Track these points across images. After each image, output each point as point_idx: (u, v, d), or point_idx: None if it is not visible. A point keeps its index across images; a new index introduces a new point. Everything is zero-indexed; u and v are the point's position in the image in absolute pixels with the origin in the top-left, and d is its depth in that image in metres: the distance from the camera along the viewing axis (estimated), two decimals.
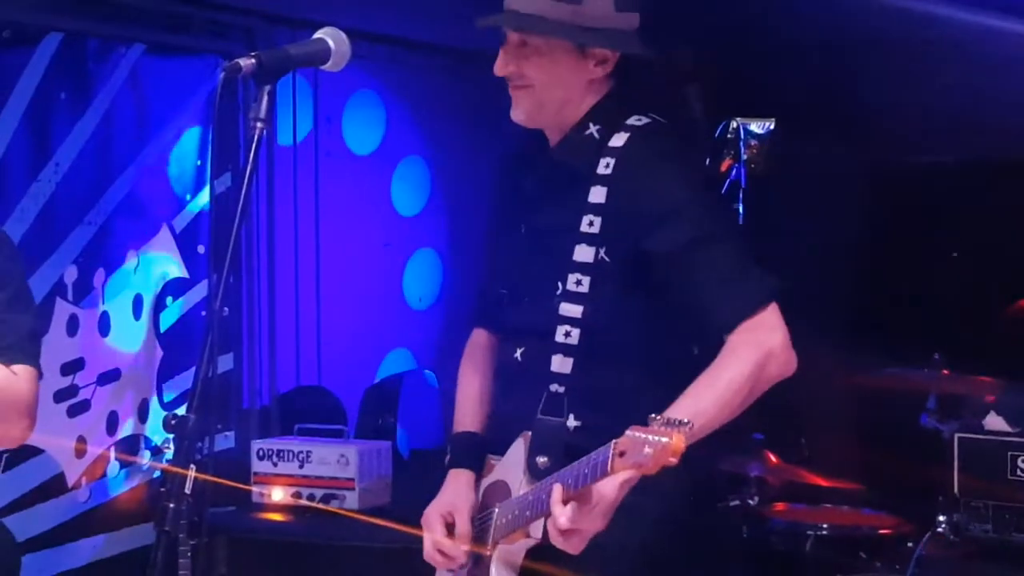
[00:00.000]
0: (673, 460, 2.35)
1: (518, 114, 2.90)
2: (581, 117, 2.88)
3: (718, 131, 5.73)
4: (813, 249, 5.60)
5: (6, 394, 2.91)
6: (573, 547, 2.60)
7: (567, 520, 2.55)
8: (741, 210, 5.48)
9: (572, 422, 2.82)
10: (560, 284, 2.81)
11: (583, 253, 2.80)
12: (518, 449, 2.85)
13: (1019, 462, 3.41)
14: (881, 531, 4.56)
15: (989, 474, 3.46)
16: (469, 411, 3.10)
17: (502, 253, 3.05)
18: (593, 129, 2.87)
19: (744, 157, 5.63)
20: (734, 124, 5.75)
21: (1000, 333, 4.78)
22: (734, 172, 5.59)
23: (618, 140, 2.83)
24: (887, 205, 5.76)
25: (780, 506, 4.82)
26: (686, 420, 2.37)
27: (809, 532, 4.54)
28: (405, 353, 6.64)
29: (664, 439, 2.33)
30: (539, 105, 2.87)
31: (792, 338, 2.76)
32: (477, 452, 3.02)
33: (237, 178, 5.02)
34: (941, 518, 3.61)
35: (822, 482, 4.84)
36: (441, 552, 2.91)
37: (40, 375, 2.99)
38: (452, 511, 2.92)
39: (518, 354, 2.93)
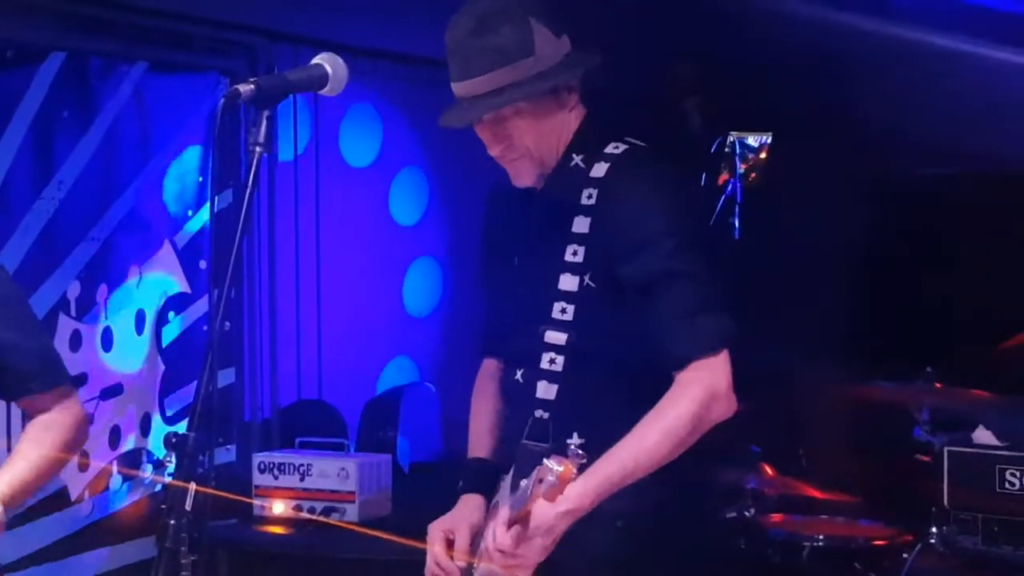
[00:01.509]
0: (561, 489, 2.53)
1: (524, 181, 2.93)
2: (565, 149, 2.92)
3: (714, 145, 5.77)
4: (808, 263, 5.63)
5: (75, 435, 3.06)
6: (509, 572, 2.72)
7: (496, 543, 2.69)
8: (736, 224, 5.52)
9: (577, 439, 2.87)
10: (547, 313, 2.87)
11: (567, 282, 2.85)
12: (511, 472, 2.92)
13: (1007, 475, 3.44)
14: (876, 542, 4.58)
15: (978, 487, 3.49)
16: (479, 438, 3.16)
17: (497, 285, 3.11)
18: (577, 159, 2.90)
19: (740, 171, 5.67)
20: (730, 138, 5.79)
21: (995, 362, 4.82)
22: (730, 186, 5.63)
23: (599, 170, 2.86)
24: (882, 219, 5.79)
25: (777, 517, 4.84)
26: (581, 452, 2.53)
27: (805, 543, 4.55)
28: (406, 363, 6.68)
29: (559, 468, 2.47)
30: (540, 163, 2.91)
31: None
32: (486, 477, 3.08)
33: (238, 194, 5.08)
34: (932, 530, 3.65)
35: (818, 494, 4.87)
36: (438, 567, 2.98)
37: (72, 383, 3.14)
38: (453, 528, 2.98)
39: (518, 376, 2.99)
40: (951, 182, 5.74)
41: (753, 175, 5.72)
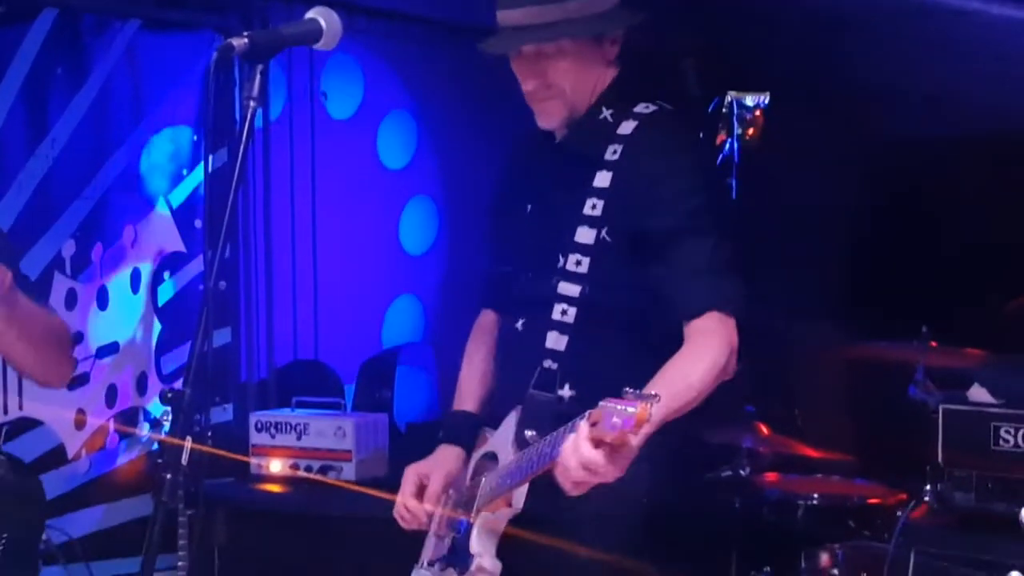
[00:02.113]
0: (637, 431, 2.38)
1: (550, 123, 2.95)
2: (595, 101, 2.93)
3: (712, 105, 5.75)
4: (805, 223, 5.63)
5: (60, 330, 3.08)
6: (579, 488, 2.58)
7: (589, 458, 2.48)
8: (734, 184, 5.51)
9: (567, 391, 2.87)
10: (560, 263, 2.87)
11: (584, 235, 2.86)
12: (510, 422, 2.91)
13: (1002, 432, 3.43)
14: (871, 500, 4.61)
15: (972, 445, 3.48)
16: (468, 390, 3.17)
17: (507, 232, 3.10)
18: (607, 113, 2.92)
19: (738, 131, 5.65)
20: (728, 98, 5.77)
21: (997, 322, 4.82)
22: (728, 146, 5.62)
23: (626, 127, 2.88)
24: (879, 179, 5.78)
25: (772, 476, 4.86)
26: (655, 394, 2.40)
27: (800, 502, 4.57)
28: (406, 310, 6.66)
29: (631, 409, 2.36)
30: (571, 108, 2.92)
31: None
32: (469, 431, 3.10)
33: (232, 153, 5.08)
34: (927, 488, 3.65)
35: (813, 453, 4.88)
36: (406, 509, 2.99)
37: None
38: (428, 473, 3.00)
39: (519, 325, 2.99)
40: (949, 142, 5.72)
41: (751, 135, 5.70)
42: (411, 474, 3.04)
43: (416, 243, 6.65)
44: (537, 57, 2.88)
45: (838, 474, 4.86)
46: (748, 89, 5.80)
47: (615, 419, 2.38)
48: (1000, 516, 3.45)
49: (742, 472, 4.76)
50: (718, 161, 5.65)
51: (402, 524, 3.05)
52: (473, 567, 2.81)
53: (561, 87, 2.89)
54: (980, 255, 5.44)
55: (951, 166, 5.62)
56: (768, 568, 4.39)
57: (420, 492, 3.02)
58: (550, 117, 2.94)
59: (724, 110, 5.75)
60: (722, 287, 2.80)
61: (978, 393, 3.55)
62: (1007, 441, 3.45)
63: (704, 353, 2.76)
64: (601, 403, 2.43)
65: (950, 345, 4.39)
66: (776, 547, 4.55)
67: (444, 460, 3.03)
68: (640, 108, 2.91)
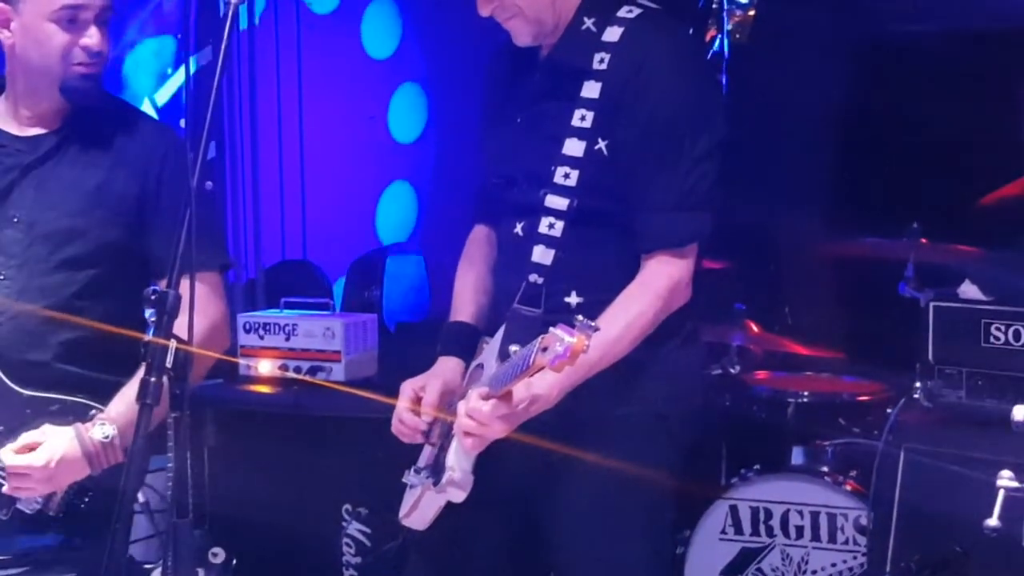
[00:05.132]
0: (573, 362, 2.40)
1: (522, 40, 2.91)
2: (575, 12, 2.88)
3: (702, 1, 5.68)
4: (796, 119, 5.59)
5: (214, 335, 3.13)
6: (471, 445, 2.72)
7: (475, 417, 2.67)
8: (724, 81, 5.46)
9: (576, 298, 2.88)
10: (548, 176, 2.84)
11: (573, 147, 2.82)
12: (499, 334, 2.91)
13: (992, 329, 3.42)
14: (860, 398, 4.62)
15: (963, 342, 3.47)
16: (462, 302, 3.15)
17: (496, 144, 3.06)
18: (588, 23, 2.86)
19: (728, 27, 5.59)
20: None
21: (979, 216, 4.80)
22: (717, 42, 5.56)
23: (612, 35, 2.83)
24: (870, 74, 5.74)
25: (762, 374, 4.87)
26: (595, 325, 2.41)
27: (790, 400, 4.58)
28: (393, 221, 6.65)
29: (571, 339, 2.37)
30: (537, 23, 2.87)
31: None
32: (464, 340, 3.09)
33: (217, 52, 5.01)
34: (916, 385, 3.65)
35: (803, 350, 4.90)
36: (401, 422, 2.99)
37: (227, 266, 3.22)
38: (424, 385, 2.98)
39: (518, 229, 2.96)
40: (937, 38, 5.67)
41: (741, 30, 5.63)
42: (407, 388, 3.02)
43: (406, 132, 6.61)
44: None
45: (828, 371, 4.87)
46: None
47: (558, 346, 2.39)
48: (990, 413, 3.45)
49: (732, 370, 4.77)
50: (707, 57, 5.59)
51: (401, 439, 3.04)
52: (444, 480, 2.81)
53: (515, 5, 2.84)
54: (971, 150, 5.41)
55: (941, 60, 5.57)
56: (757, 466, 4.41)
57: (417, 403, 3.00)
58: (518, 35, 2.90)
59: (714, 5, 5.68)
60: (679, 222, 2.82)
61: (969, 290, 3.53)
62: (997, 338, 3.44)
63: (634, 306, 2.81)
64: (552, 329, 2.43)
65: (940, 242, 4.38)
66: (766, 445, 4.57)
67: (440, 371, 3.02)
68: (623, 12, 2.86)
